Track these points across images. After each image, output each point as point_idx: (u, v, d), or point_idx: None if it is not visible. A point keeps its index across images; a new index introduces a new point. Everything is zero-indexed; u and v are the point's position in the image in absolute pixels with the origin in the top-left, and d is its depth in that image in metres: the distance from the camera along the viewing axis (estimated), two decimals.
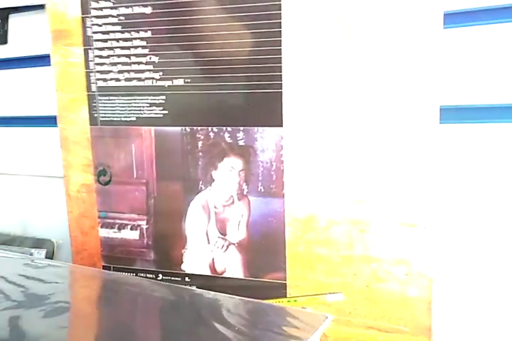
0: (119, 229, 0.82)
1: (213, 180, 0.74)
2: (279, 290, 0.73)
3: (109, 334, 0.46)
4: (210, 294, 0.54)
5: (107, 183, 0.81)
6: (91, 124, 0.79)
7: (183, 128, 0.74)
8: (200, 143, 0.74)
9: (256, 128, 0.71)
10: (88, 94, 0.79)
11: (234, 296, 0.53)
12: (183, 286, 0.58)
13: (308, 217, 0.71)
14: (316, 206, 0.70)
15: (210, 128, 0.73)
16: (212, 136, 0.73)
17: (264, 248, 0.74)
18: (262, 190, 0.72)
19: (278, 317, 0.49)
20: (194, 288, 0.66)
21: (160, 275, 0.80)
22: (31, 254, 0.89)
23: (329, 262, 0.70)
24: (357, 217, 0.68)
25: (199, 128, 0.74)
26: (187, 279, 0.78)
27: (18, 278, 0.58)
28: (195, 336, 0.44)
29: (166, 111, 0.75)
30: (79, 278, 0.65)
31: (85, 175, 0.82)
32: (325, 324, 0.46)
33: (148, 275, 0.80)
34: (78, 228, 0.84)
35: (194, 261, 0.77)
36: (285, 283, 0.73)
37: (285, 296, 0.72)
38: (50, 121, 0.92)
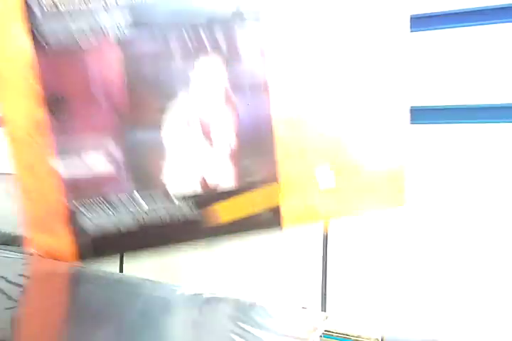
0: (80, 154, 0.73)
1: (192, 82, 0.68)
2: (271, 180, 0.72)
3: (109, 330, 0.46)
4: (208, 294, 0.54)
5: (63, 114, 0.70)
6: (35, 47, 0.67)
7: (151, 32, 0.66)
8: (173, 45, 0.67)
9: (234, 23, 0.65)
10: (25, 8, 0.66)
11: (232, 296, 0.53)
12: (174, 284, 0.57)
13: (294, 117, 0.71)
14: (301, 106, 0.70)
15: (183, 28, 0.65)
16: (188, 35, 0.66)
17: (254, 148, 0.71)
18: (247, 90, 0.69)
19: (277, 317, 0.49)
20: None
21: (135, 192, 0.70)
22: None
23: (318, 150, 0.72)
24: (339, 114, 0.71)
25: (170, 28, 0.66)
26: (172, 195, 0.70)
27: (19, 278, 0.58)
28: (191, 335, 0.44)
29: (129, 17, 0.65)
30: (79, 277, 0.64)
31: (34, 111, 0.69)
32: (324, 323, 0.46)
33: (121, 195, 0.72)
34: (31, 176, 0.76)
35: (179, 175, 0.71)
36: (275, 174, 0.73)
37: (276, 181, 0.72)
38: None
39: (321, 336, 0.67)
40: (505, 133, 0.69)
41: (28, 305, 0.53)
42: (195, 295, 0.53)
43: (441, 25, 0.69)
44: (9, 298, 0.52)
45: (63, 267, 0.65)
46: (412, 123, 0.71)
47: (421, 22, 0.69)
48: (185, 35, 0.65)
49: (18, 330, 0.46)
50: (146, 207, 0.69)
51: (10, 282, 0.56)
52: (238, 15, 0.64)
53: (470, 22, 0.68)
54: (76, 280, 0.61)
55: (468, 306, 0.73)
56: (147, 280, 0.58)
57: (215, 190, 0.69)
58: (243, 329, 0.44)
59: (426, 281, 0.75)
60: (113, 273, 0.63)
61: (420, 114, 0.72)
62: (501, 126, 0.69)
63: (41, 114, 0.69)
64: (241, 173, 0.70)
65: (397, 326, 0.76)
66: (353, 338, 0.77)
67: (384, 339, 0.73)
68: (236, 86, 0.67)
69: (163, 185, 0.69)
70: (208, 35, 0.64)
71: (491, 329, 0.73)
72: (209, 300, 0.52)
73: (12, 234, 0.97)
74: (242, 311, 0.50)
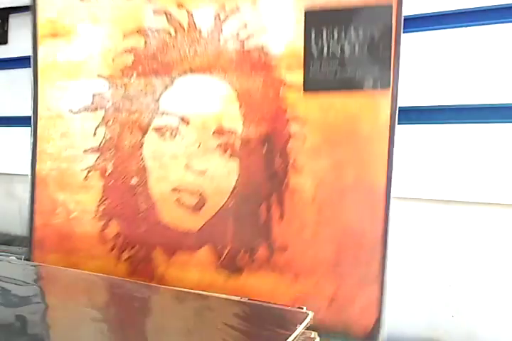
0: None
1: None
2: None
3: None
4: (194, 293, 0.53)
5: None
6: None
7: None
8: None
9: None
10: None
11: (217, 294, 0.53)
12: (163, 286, 0.56)
13: None
14: None
15: None
16: None
17: None
18: None
19: (262, 315, 0.48)
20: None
21: None
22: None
23: None
24: None
25: None
26: None
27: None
28: (176, 334, 0.43)
29: None
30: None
31: None
32: (306, 321, 0.46)
33: None
34: None
35: None
36: None
37: None
38: None
39: (320, 336, 0.65)
40: (505, 134, 0.67)
41: None
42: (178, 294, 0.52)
43: (441, 25, 0.68)
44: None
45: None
46: (412, 123, 0.69)
47: (421, 22, 0.68)
48: None
49: None
50: None
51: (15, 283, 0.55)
52: None
53: (470, 22, 0.67)
54: None
55: (470, 305, 0.71)
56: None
57: None
58: (226, 327, 0.43)
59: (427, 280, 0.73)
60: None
61: (421, 114, 0.71)
62: (501, 126, 0.68)
63: None
64: None
65: (398, 325, 0.74)
66: None
67: (384, 339, 0.72)
68: None
69: None
70: None
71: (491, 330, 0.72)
72: (192, 299, 0.51)
73: (12, 234, 0.98)
74: (226, 310, 0.49)
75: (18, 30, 0.94)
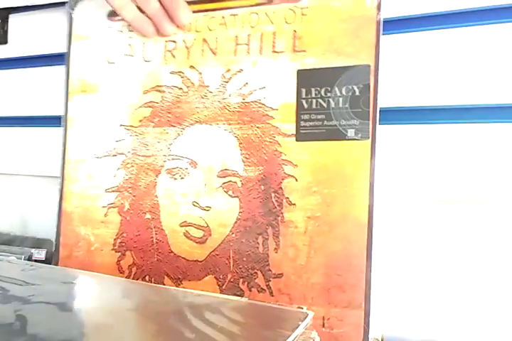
0: None
1: None
2: None
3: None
4: (193, 293, 0.53)
5: None
6: None
7: None
8: None
9: None
10: None
11: (215, 294, 0.53)
12: (162, 286, 0.57)
13: None
14: None
15: None
16: None
17: None
18: None
19: (262, 315, 0.49)
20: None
21: None
22: (31, 254, 0.89)
23: None
24: None
25: None
26: None
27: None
28: (175, 335, 0.43)
29: None
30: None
31: None
32: (305, 321, 0.46)
33: None
34: None
35: None
36: None
37: None
38: (49, 121, 0.87)
39: None
40: (504, 134, 0.68)
41: None
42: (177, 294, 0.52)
43: (441, 25, 0.69)
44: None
45: None
46: (411, 123, 0.70)
47: (421, 22, 0.69)
48: None
49: None
50: None
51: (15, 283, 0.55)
52: None
53: (470, 22, 0.68)
54: None
55: (469, 306, 0.71)
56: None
57: None
58: (224, 327, 0.43)
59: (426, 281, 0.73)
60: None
61: (420, 114, 0.71)
62: (500, 126, 0.68)
63: None
64: None
65: (397, 326, 0.74)
66: None
67: (384, 339, 0.72)
68: None
69: None
70: None
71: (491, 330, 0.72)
72: (190, 299, 0.51)
73: (12, 234, 0.98)
74: (223, 309, 0.49)
75: (18, 30, 0.94)
